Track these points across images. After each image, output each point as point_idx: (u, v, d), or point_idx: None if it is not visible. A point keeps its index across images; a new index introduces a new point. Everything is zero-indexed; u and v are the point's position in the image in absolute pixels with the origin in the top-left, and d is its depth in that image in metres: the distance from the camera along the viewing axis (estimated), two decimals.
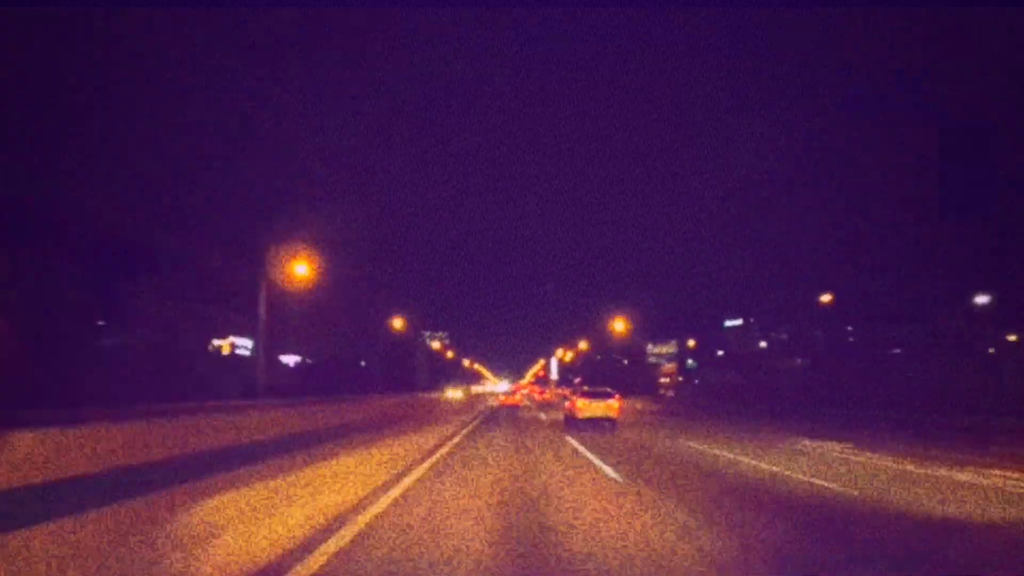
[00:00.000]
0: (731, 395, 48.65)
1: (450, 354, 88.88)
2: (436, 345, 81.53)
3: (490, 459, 12.54)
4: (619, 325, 54.27)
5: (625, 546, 5.62)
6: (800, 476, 10.47)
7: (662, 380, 73.32)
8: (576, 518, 6.81)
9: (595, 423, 21.88)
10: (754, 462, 12.39)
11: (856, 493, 8.84)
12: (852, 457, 13.56)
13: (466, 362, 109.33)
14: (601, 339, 68.26)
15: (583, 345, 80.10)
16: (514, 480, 9.70)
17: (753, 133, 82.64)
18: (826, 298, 43.34)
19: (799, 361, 53.88)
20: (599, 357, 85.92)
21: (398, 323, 45.35)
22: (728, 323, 75.42)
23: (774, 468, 11.44)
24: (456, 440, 16.88)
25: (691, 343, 77.76)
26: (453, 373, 76.92)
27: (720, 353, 73.05)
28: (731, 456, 13.53)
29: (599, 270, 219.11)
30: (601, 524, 6.55)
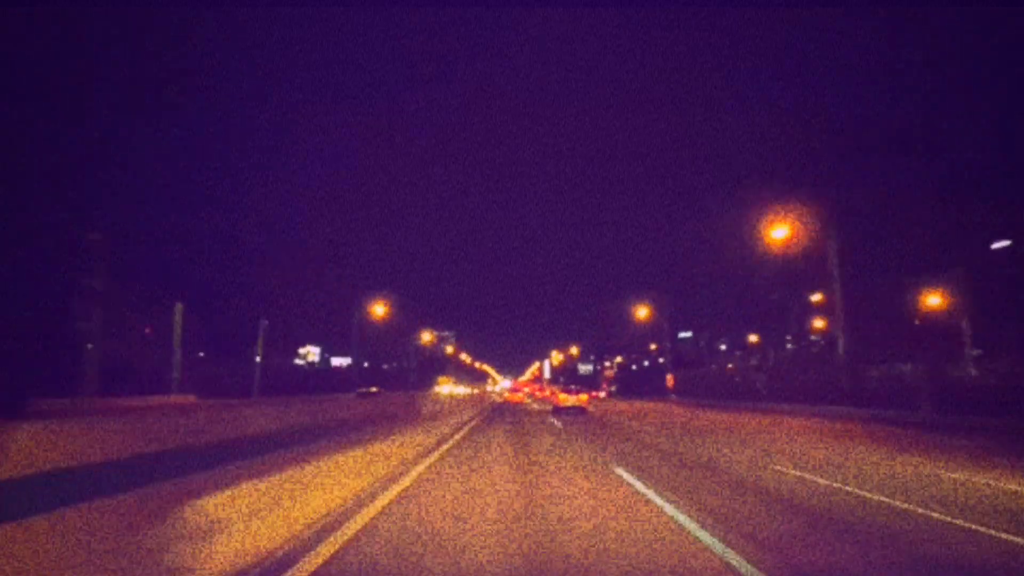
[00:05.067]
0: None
1: (466, 357, 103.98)
2: (450, 349, 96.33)
3: (508, 417, 26.71)
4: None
5: (542, 416, 19.77)
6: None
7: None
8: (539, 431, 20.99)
9: (571, 410, 29.58)
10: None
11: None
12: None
13: (466, 358, 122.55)
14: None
15: (574, 351, 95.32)
16: (517, 423, 23.83)
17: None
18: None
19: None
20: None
21: (426, 336, 60.83)
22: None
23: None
24: (487, 413, 30.99)
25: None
26: (459, 372, 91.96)
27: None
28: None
29: (598, 271, 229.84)
30: (541, 426, 20.70)
